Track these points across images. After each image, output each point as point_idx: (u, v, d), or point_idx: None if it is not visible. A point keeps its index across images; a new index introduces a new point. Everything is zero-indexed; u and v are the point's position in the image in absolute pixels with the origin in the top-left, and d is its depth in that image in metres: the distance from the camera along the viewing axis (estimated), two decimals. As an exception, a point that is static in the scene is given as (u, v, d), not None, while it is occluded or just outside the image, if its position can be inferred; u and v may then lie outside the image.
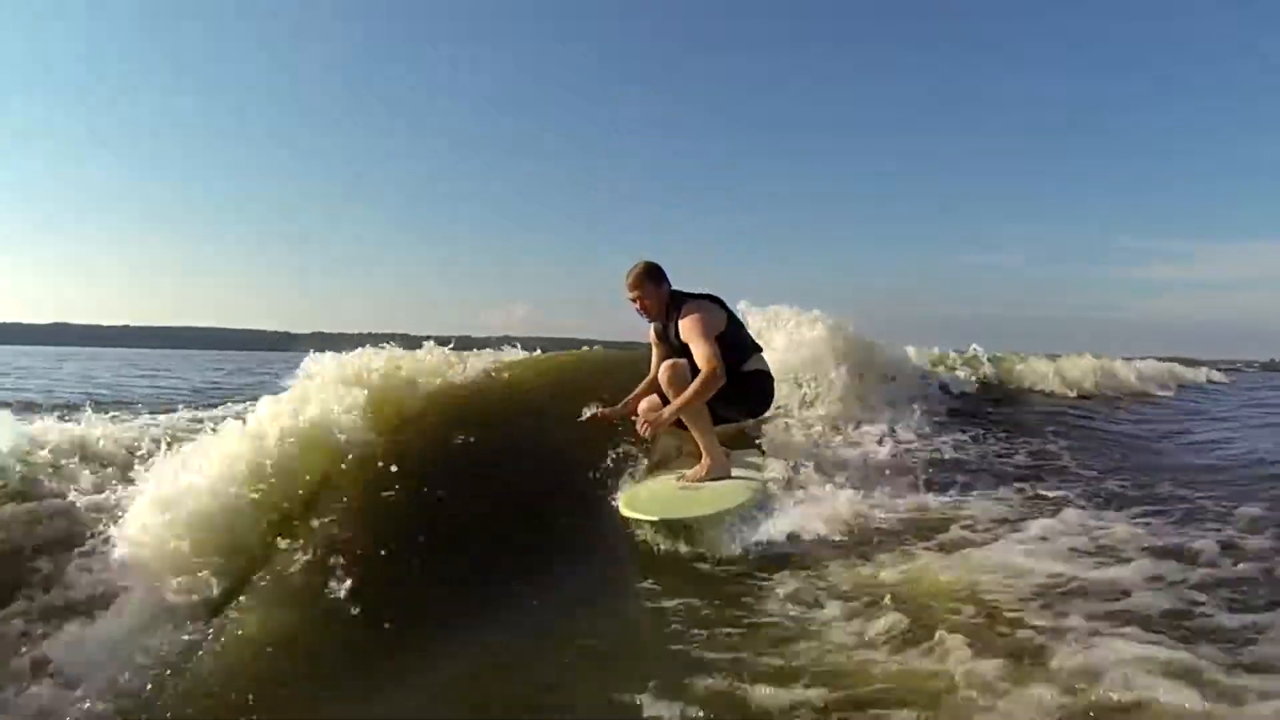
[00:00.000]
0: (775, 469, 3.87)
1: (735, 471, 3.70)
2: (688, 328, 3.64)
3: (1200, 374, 15.58)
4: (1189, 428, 7.52)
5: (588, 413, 3.80)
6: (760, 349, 4.03)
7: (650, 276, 3.80)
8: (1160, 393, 10.83)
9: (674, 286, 3.87)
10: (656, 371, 3.78)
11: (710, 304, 3.80)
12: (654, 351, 3.97)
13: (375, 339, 4.13)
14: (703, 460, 3.63)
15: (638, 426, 3.65)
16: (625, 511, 3.27)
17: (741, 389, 3.76)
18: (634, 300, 3.82)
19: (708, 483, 3.55)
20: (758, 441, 4.39)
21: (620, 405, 3.89)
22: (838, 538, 3.13)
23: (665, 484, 3.66)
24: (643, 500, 3.41)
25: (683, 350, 3.70)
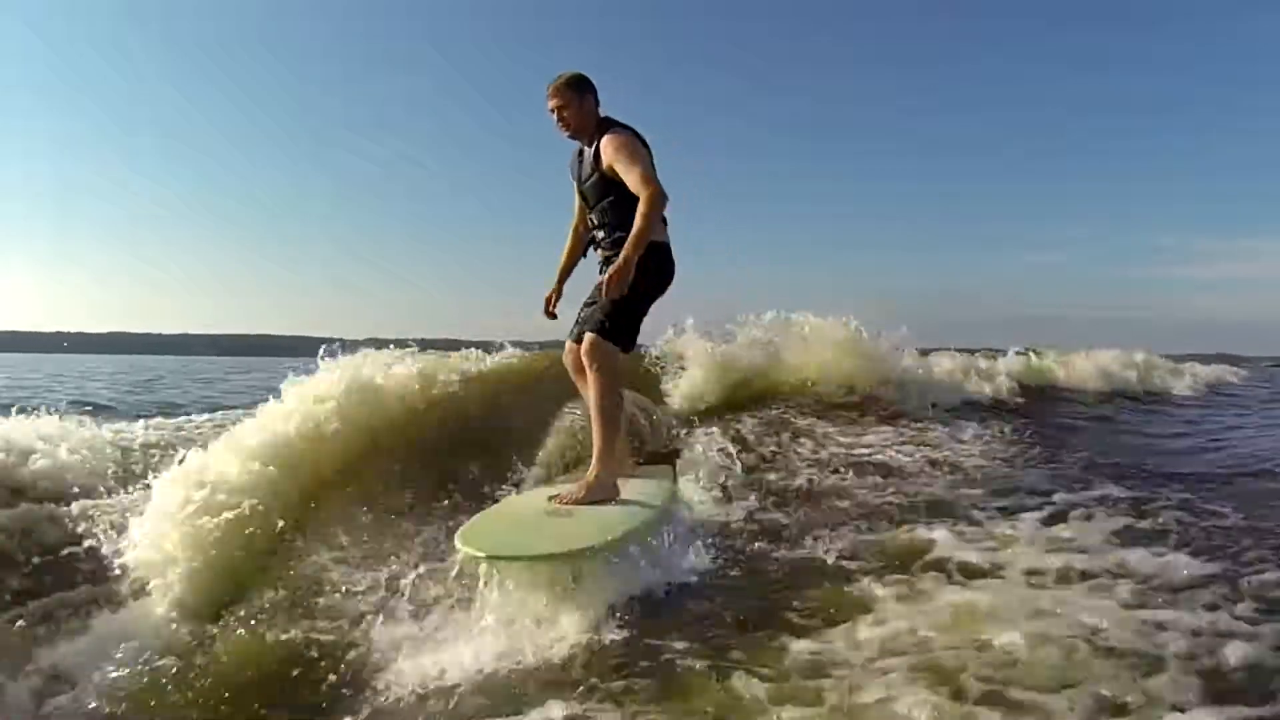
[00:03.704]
0: (689, 490, 3.21)
1: (635, 493, 2.93)
2: (613, 146, 3.14)
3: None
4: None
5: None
6: (664, 220, 3.32)
7: (574, 86, 3.27)
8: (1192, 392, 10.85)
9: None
10: (578, 225, 3.61)
11: (638, 138, 3.29)
12: (576, 202, 3.60)
13: (424, 344, 4.28)
14: (589, 472, 2.95)
15: (604, 292, 3.01)
16: (457, 543, 2.38)
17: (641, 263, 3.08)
18: (553, 112, 3.29)
19: (585, 507, 2.77)
20: (676, 459, 3.75)
21: (556, 285, 3.63)
22: (744, 576, 2.69)
23: (534, 504, 2.87)
24: (484, 528, 2.56)
25: (599, 185, 3.25)
